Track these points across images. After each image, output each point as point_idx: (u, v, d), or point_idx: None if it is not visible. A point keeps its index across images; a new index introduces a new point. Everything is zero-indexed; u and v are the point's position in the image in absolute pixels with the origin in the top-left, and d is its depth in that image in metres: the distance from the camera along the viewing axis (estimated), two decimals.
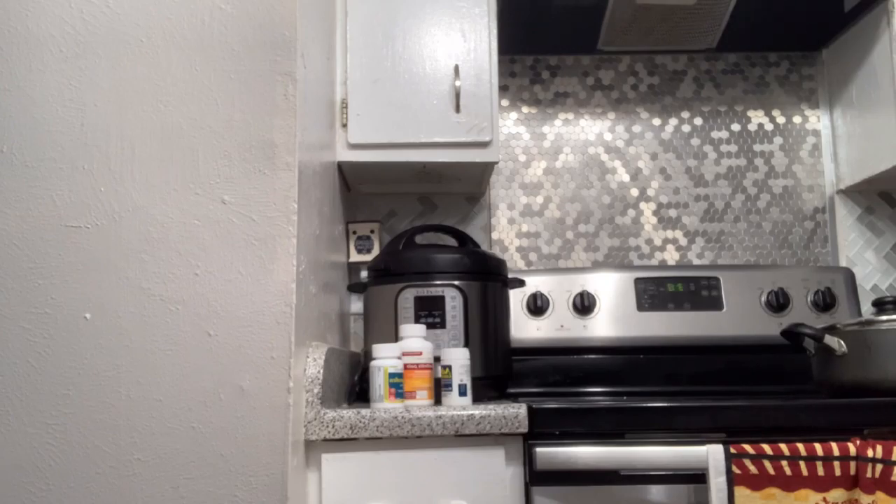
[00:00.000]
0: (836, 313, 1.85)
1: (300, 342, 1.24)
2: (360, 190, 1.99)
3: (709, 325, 1.85)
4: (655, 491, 1.26)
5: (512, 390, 1.81)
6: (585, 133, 2.10)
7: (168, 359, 1.17)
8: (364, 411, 1.27)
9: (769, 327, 1.83)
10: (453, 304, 1.59)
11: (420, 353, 1.40)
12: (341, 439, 1.26)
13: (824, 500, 1.19)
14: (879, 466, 1.18)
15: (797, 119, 2.12)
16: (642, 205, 2.08)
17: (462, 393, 1.39)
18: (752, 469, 1.20)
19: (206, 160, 1.22)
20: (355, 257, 1.94)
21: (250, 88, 1.24)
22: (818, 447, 1.21)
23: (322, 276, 1.50)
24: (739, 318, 1.85)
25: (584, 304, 1.84)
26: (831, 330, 1.49)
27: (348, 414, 1.26)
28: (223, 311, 1.19)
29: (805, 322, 1.60)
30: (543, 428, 1.27)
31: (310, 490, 1.27)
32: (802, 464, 1.20)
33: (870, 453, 1.19)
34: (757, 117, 2.12)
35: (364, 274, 1.79)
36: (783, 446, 1.21)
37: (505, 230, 2.05)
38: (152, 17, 1.25)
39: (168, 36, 1.25)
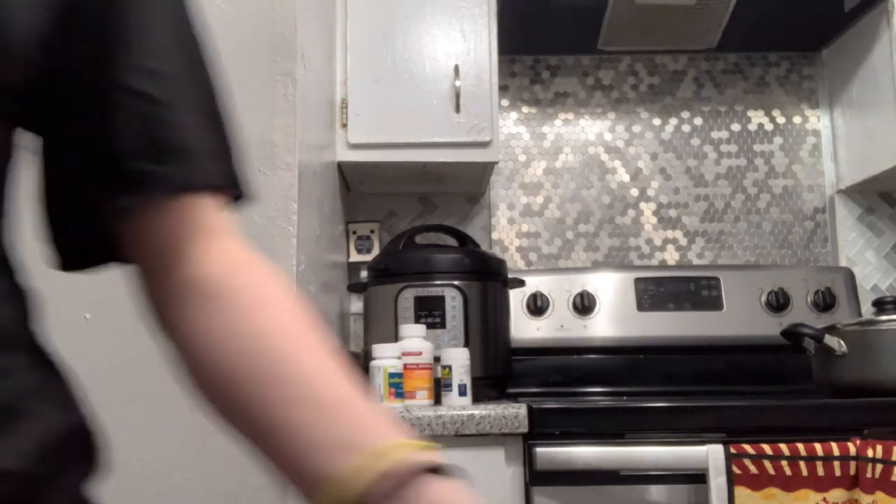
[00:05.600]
0: (836, 313, 1.84)
1: None
2: (360, 190, 1.99)
3: (709, 325, 1.85)
4: (655, 491, 1.26)
5: (512, 390, 1.81)
6: (585, 133, 2.10)
7: (168, 359, 1.17)
8: None
9: (769, 327, 1.82)
10: (453, 304, 1.59)
11: (420, 353, 1.40)
12: None
13: (824, 500, 1.19)
14: (879, 466, 1.18)
15: (797, 119, 2.11)
16: (642, 205, 2.08)
17: (462, 393, 1.39)
18: (752, 469, 1.20)
19: None
20: (355, 257, 1.94)
21: (250, 88, 1.24)
22: (818, 447, 1.21)
23: (322, 276, 1.50)
24: (739, 318, 1.85)
25: (584, 304, 1.84)
26: (831, 330, 1.49)
27: None
28: None
29: (805, 322, 1.60)
30: (543, 428, 1.27)
31: None
32: (802, 464, 1.20)
33: (870, 453, 1.19)
34: (757, 117, 2.12)
35: (364, 274, 1.79)
36: (783, 446, 1.21)
37: (505, 230, 2.05)
38: None
39: None
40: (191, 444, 1.16)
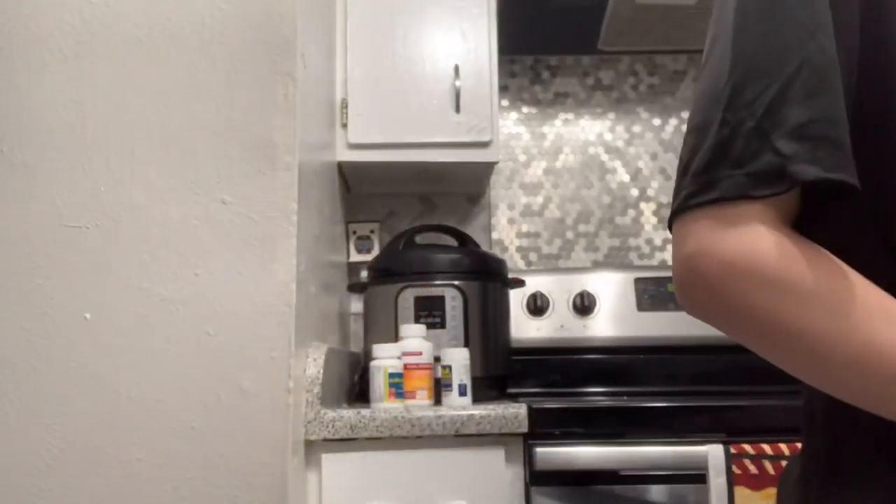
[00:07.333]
0: None
1: (300, 342, 1.24)
2: (360, 190, 1.99)
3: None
4: (655, 491, 1.26)
5: (512, 390, 1.81)
6: (585, 133, 2.10)
7: (168, 359, 1.17)
8: (364, 411, 1.27)
9: None
10: (453, 304, 1.59)
11: (420, 353, 1.40)
12: (341, 439, 1.26)
13: None
14: None
15: None
16: (642, 205, 2.08)
17: (462, 393, 1.39)
18: (752, 469, 1.20)
19: (206, 160, 1.22)
20: (355, 257, 1.94)
21: (250, 88, 1.24)
22: None
23: (322, 276, 1.50)
24: None
25: (584, 304, 1.84)
26: None
27: (348, 414, 1.26)
28: (223, 311, 1.19)
29: None
30: (543, 428, 1.27)
31: (310, 490, 1.27)
32: None
33: None
34: None
35: (364, 274, 1.79)
36: (783, 446, 1.21)
37: (505, 230, 2.05)
38: (152, 17, 1.25)
39: (168, 36, 1.25)
40: (190, 443, 1.16)
